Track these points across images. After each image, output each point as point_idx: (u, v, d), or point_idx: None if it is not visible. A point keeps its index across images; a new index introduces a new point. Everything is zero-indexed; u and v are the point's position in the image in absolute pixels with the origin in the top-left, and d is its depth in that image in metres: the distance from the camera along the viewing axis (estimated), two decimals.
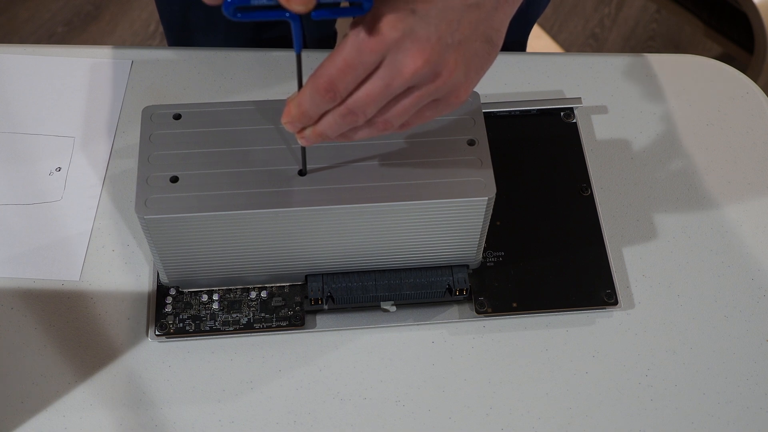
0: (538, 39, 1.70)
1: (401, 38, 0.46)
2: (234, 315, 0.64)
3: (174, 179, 0.58)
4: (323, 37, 0.92)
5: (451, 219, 0.59)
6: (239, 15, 0.46)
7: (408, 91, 0.48)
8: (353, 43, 0.46)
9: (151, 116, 0.60)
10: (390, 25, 0.45)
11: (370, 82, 0.47)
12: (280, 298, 0.64)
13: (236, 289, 0.65)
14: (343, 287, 0.64)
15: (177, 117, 0.60)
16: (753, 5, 1.25)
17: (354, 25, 0.46)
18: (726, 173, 0.73)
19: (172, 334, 0.63)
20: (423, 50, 0.46)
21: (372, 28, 0.45)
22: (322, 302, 0.64)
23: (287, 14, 0.46)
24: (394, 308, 0.65)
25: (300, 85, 0.52)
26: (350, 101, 0.48)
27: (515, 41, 0.92)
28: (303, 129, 0.52)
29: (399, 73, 0.46)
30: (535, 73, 0.78)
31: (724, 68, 0.79)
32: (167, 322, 0.63)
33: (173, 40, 0.91)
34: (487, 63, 0.50)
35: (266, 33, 0.89)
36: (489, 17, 0.48)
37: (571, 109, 0.75)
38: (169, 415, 0.61)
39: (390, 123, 0.50)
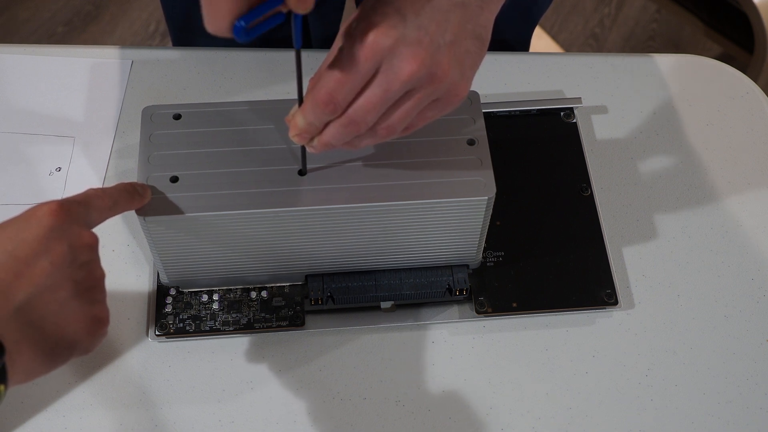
0: (538, 39, 1.70)
1: (395, 44, 0.46)
2: (234, 315, 0.64)
3: (174, 179, 0.58)
4: (327, 37, 0.92)
5: (451, 219, 0.59)
6: (250, 34, 0.45)
7: (407, 95, 0.49)
8: (348, 53, 0.47)
9: (151, 116, 0.60)
10: (383, 32, 0.46)
11: (369, 90, 0.48)
12: (281, 298, 0.64)
13: (236, 289, 0.65)
14: (343, 287, 0.64)
15: (177, 117, 0.60)
16: (753, 5, 1.25)
17: (347, 35, 0.47)
18: (726, 173, 0.73)
19: (172, 334, 0.63)
20: (417, 53, 0.47)
21: (365, 37, 0.46)
22: (322, 302, 0.64)
23: (284, 13, 0.46)
24: (394, 308, 0.65)
25: (299, 82, 0.52)
26: (351, 111, 0.49)
27: (519, 40, 0.92)
28: (311, 139, 0.52)
29: (396, 77, 0.47)
30: (535, 73, 0.78)
31: (724, 68, 0.79)
32: (167, 322, 0.63)
33: (177, 41, 0.91)
34: (479, 59, 0.51)
35: (269, 34, 0.89)
36: (476, 15, 0.49)
37: (571, 109, 0.74)
38: (169, 415, 0.61)
39: (392, 128, 0.51)
